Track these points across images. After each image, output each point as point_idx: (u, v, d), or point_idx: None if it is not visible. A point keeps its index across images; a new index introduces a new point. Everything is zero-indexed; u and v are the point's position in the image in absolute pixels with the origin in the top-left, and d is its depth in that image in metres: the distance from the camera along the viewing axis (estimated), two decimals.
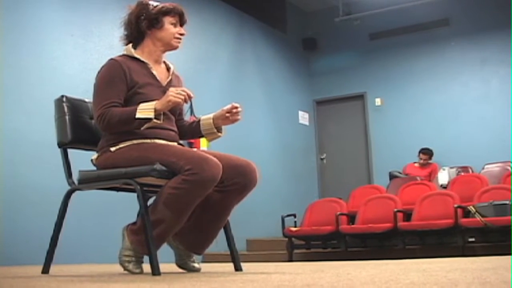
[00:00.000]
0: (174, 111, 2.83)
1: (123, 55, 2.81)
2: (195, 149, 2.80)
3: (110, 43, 6.50)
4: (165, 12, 2.79)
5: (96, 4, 6.42)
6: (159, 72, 2.83)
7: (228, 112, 2.82)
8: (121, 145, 2.66)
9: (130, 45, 2.82)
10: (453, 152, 8.94)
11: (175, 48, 2.84)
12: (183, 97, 2.59)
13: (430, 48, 9.59)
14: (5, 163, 5.17)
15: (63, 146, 2.85)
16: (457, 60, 9.42)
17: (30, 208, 5.24)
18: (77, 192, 2.82)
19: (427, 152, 8.85)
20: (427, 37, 9.60)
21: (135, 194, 2.57)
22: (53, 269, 2.87)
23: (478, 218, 6.34)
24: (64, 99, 2.89)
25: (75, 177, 2.81)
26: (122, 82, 2.67)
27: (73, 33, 6.09)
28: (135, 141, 2.66)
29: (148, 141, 2.66)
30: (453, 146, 9.05)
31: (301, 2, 10.24)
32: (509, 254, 4.60)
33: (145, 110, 2.56)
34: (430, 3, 9.28)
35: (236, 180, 2.67)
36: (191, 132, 2.95)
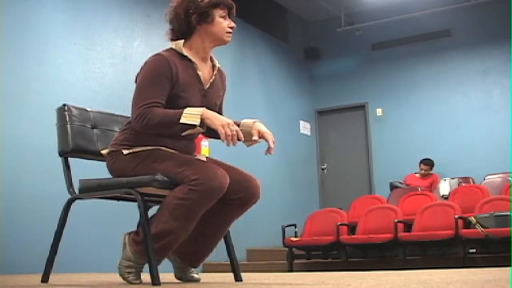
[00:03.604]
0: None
1: (170, 49, 2.64)
2: (199, 158, 2.72)
3: (112, 52, 6.53)
4: (215, 4, 2.62)
5: (99, 13, 6.44)
6: (204, 72, 2.69)
7: (262, 137, 2.64)
8: (135, 150, 2.59)
9: (182, 41, 2.64)
10: (454, 162, 8.93)
11: (226, 43, 2.69)
12: (230, 135, 2.40)
13: (432, 58, 9.61)
14: (7, 170, 5.17)
15: (64, 155, 2.84)
16: (459, 71, 9.43)
17: (30, 216, 5.23)
18: (77, 200, 2.81)
19: (428, 163, 8.84)
20: (429, 48, 9.62)
21: (136, 203, 2.56)
22: (53, 278, 2.86)
23: (479, 229, 6.33)
24: (66, 108, 2.87)
25: (76, 185, 2.81)
26: (167, 80, 2.53)
27: (76, 41, 6.10)
28: (149, 147, 2.58)
29: (163, 148, 2.60)
30: (455, 156, 9.04)
31: (303, 12, 10.26)
32: (510, 265, 4.59)
33: (191, 116, 2.44)
34: (432, 13, 9.30)
35: (239, 195, 2.61)
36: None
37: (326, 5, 9.70)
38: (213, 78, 2.73)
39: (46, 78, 5.72)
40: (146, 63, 2.60)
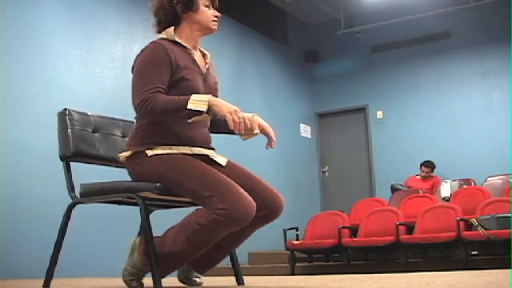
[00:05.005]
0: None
1: (162, 39, 2.62)
2: (219, 160, 2.63)
3: (112, 56, 6.52)
4: None
5: (98, 18, 6.45)
6: (198, 58, 2.68)
7: (263, 132, 2.67)
8: (159, 151, 2.50)
9: (172, 28, 2.63)
10: (455, 164, 8.93)
11: (213, 31, 2.70)
12: (238, 122, 2.38)
13: (431, 60, 9.61)
14: (7, 174, 5.16)
15: (66, 159, 2.83)
16: (459, 73, 9.43)
17: (32, 220, 5.23)
18: (79, 204, 2.80)
19: (429, 165, 8.83)
20: (429, 50, 9.62)
21: (137, 208, 2.55)
22: (55, 282, 2.85)
23: (480, 231, 6.31)
24: (67, 112, 2.87)
25: (77, 190, 2.80)
26: (166, 66, 2.50)
27: (76, 46, 6.10)
28: (174, 148, 2.51)
29: (188, 150, 2.52)
30: (455, 158, 9.03)
31: (302, 15, 10.27)
32: (511, 267, 4.58)
33: (199, 102, 2.38)
34: (431, 16, 9.31)
35: (262, 212, 2.52)
36: (227, 127, 2.54)
37: (325, 7, 9.71)
38: (207, 65, 2.73)
39: (46, 82, 5.72)
40: (142, 50, 2.58)
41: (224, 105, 2.41)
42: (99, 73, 6.33)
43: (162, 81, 2.48)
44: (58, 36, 5.96)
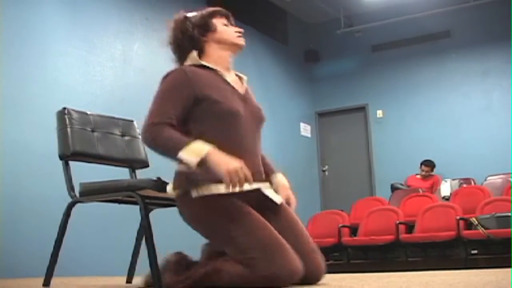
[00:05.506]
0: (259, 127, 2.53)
1: (188, 65, 2.46)
2: (273, 197, 2.52)
3: (112, 56, 6.52)
4: (211, 14, 2.51)
5: (98, 17, 6.44)
6: (232, 80, 2.51)
7: (287, 201, 2.64)
8: (205, 192, 2.29)
9: (195, 52, 2.46)
10: (455, 163, 8.93)
11: (241, 46, 2.56)
12: (234, 183, 2.14)
13: (431, 60, 9.61)
14: (7, 174, 5.16)
15: (65, 158, 2.84)
16: (459, 72, 9.43)
17: (32, 219, 5.22)
18: (79, 204, 2.80)
19: (429, 164, 8.83)
20: (429, 49, 9.62)
21: (137, 206, 2.55)
22: (55, 281, 2.86)
23: (480, 230, 6.32)
24: (66, 111, 2.87)
25: (77, 189, 2.80)
26: (184, 94, 2.32)
27: (76, 45, 6.10)
28: (220, 187, 2.24)
29: (238, 203, 2.31)
30: (455, 157, 9.03)
31: (302, 14, 10.27)
32: (511, 266, 4.57)
33: (192, 152, 2.17)
34: (431, 15, 9.31)
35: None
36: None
37: (325, 7, 9.71)
38: (245, 86, 2.57)
39: (45, 82, 5.71)
40: (167, 75, 2.41)
41: (224, 162, 2.16)
42: (99, 72, 6.32)
43: (175, 108, 2.31)
44: (58, 36, 5.96)
